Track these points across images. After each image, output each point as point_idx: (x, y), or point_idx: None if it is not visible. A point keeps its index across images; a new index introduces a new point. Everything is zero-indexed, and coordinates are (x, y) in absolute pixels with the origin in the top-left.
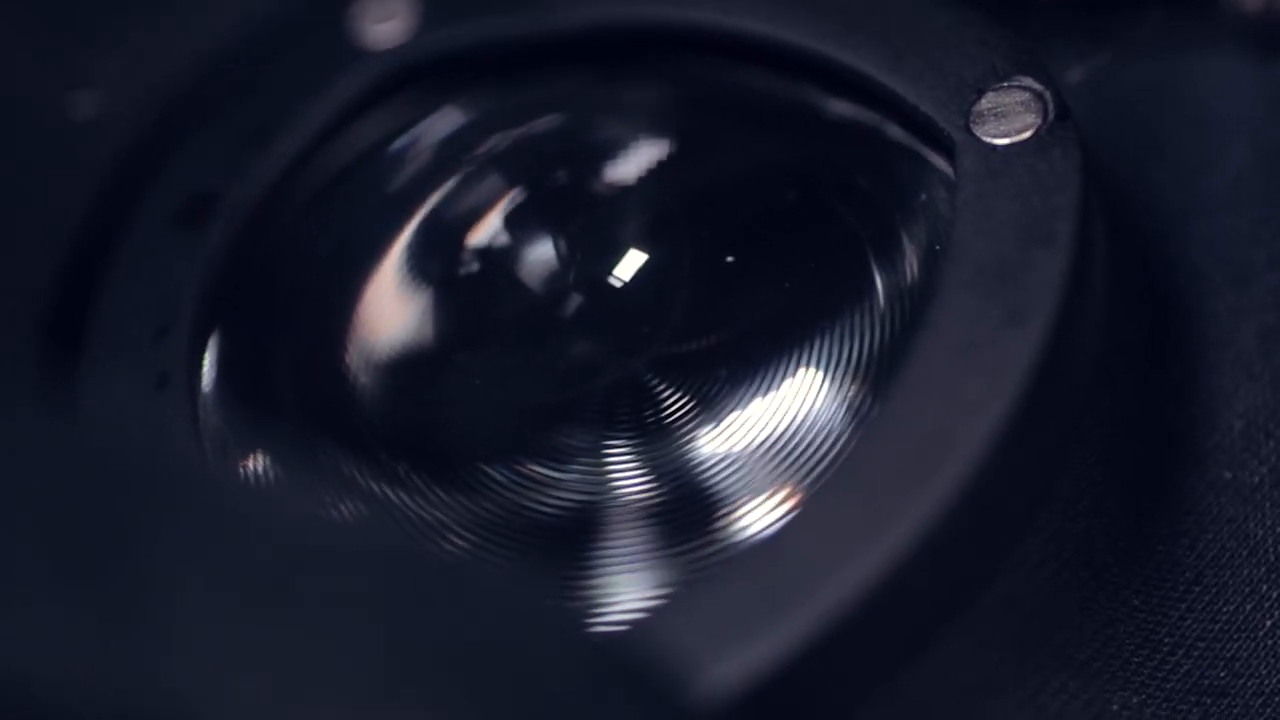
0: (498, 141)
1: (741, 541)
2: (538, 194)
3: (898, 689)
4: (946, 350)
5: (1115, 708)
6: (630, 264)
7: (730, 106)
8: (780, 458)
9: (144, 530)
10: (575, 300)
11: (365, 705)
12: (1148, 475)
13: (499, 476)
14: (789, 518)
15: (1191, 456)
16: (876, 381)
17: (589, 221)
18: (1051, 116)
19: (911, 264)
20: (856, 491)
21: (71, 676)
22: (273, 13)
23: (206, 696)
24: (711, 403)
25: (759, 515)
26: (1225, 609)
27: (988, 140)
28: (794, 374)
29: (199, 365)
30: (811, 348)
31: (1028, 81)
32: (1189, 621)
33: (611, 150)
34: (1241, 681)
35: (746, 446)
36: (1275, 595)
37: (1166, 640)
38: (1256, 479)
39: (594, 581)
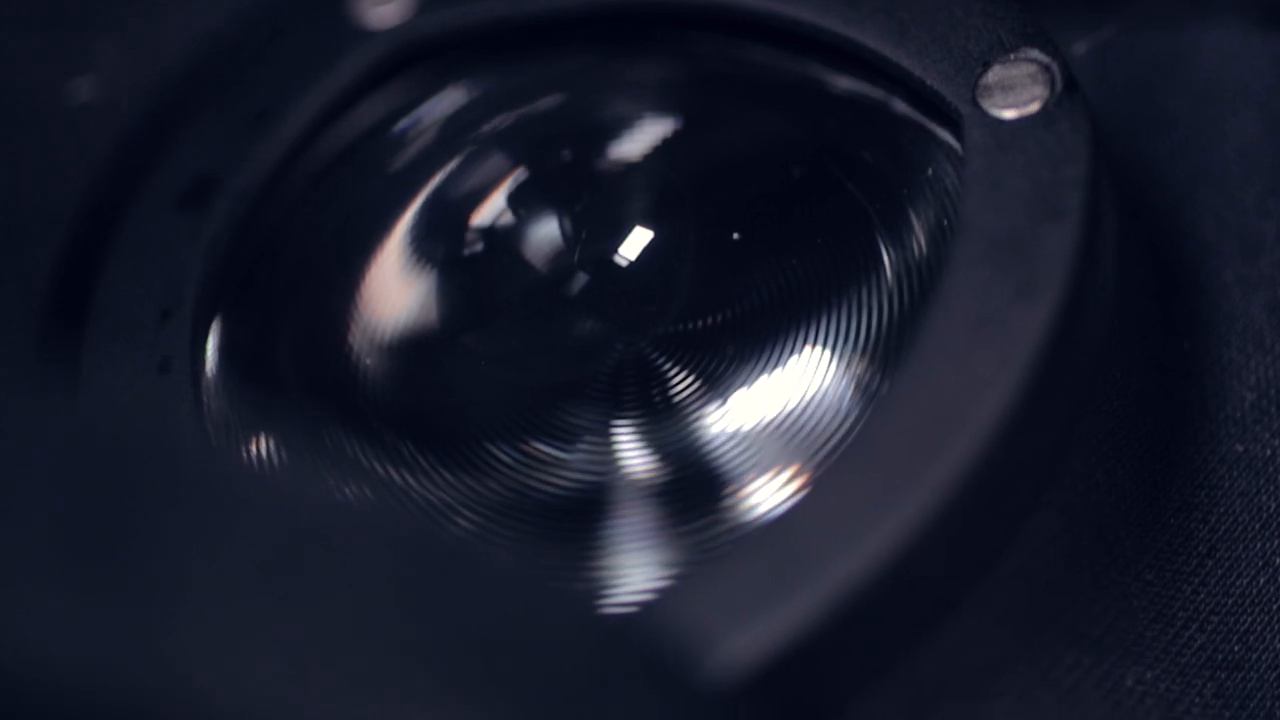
0: (501, 120)
1: (751, 520)
2: (542, 173)
3: (910, 667)
4: (956, 325)
5: (1129, 683)
6: (636, 242)
7: (735, 83)
8: (789, 435)
9: (150, 515)
10: (581, 279)
11: (373, 686)
12: (1159, 449)
13: (505, 457)
14: (799, 496)
15: (1203, 430)
16: (885, 357)
17: (594, 200)
18: (1059, 88)
19: (919, 239)
20: (866, 469)
21: (77, 659)
22: None
23: (214, 677)
24: (719, 381)
25: (768, 493)
26: (1239, 582)
27: (995, 113)
28: (802, 351)
29: (202, 348)
30: (819, 324)
31: (1034, 54)
32: (1202, 595)
33: (616, 128)
34: (1255, 655)
35: (755, 424)
36: None
37: (1180, 614)
38: (1269, 451)
39: (602, 561)
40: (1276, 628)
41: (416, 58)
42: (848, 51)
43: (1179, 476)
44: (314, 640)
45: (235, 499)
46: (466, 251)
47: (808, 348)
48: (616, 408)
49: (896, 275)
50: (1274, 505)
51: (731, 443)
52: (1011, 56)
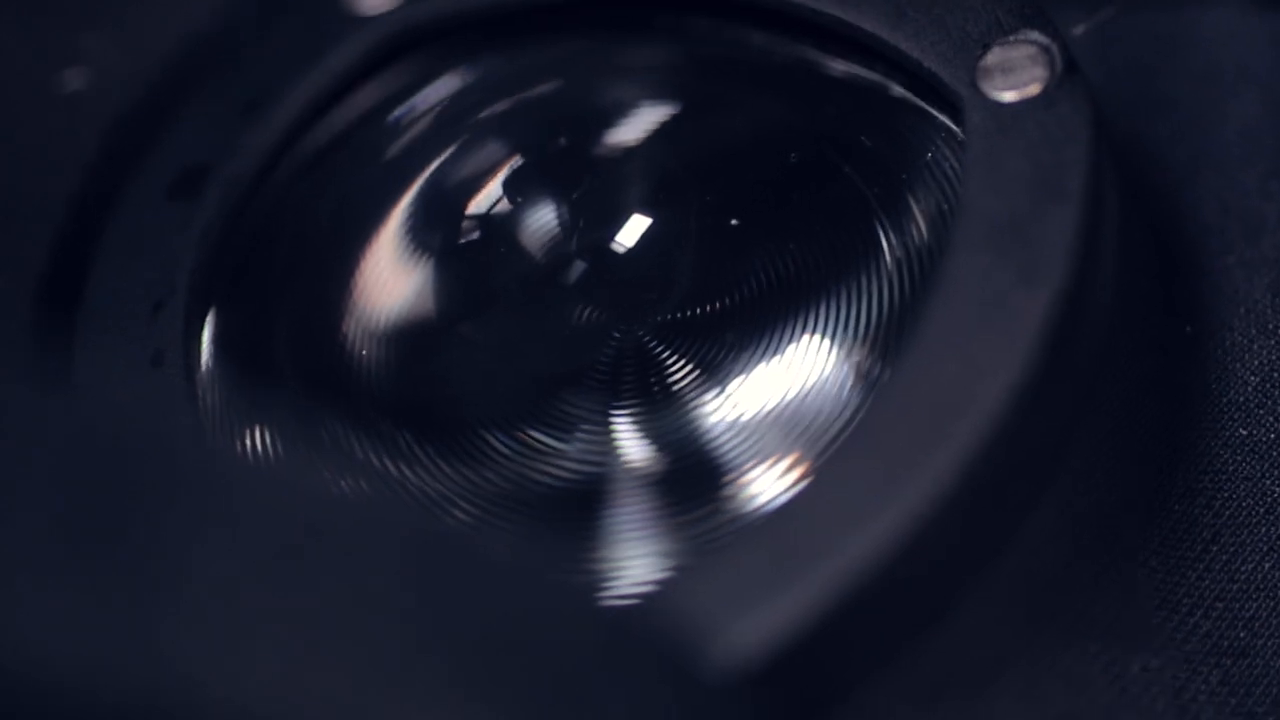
0: (497, 106)
1: (752, 510)
2: (539, 159)
3: (914, 657)
4: (958, 311)
5: (1135, 670)
6: (634, 229)
7: (733, 68)
8: (789, 424)
9: (147, 508)
10: (579, 267)
11: (374, 681)
12: (1163, 434)
13: (504, 447)
14: (800, 485)
15: (1207, 414)
16: (887, 344)
17: (592, 186)
18: (1059, 70)
19: (919, 224)
20: (868, 457)
21: (76, 655)
22: None
23: (214, 672)
24: (718, 369)
25: (769, 483)
26: (1244, 568)
27: (995, 96)
28: (802, 338)
29: (196, 340)
30: (819, 311)
31: (1034, 35)
32: (1207, 581)
33: (613, 114)
34: (1261, 641)
35: (755, 413)
36: None
37: (1185, 601)
38: (1273, 435)
39: (602, 552)
40: None
41: (411, 43)
42: (845, 35)
43: (1183, 461)
44: (313, 636)
45: (233, 491)
46: (463, 240)
47: (807, 335)
48: (615, 397)
49: (896, 261)
50: (1278, 490)
51: (731, 432)
52: (1011, 38)
